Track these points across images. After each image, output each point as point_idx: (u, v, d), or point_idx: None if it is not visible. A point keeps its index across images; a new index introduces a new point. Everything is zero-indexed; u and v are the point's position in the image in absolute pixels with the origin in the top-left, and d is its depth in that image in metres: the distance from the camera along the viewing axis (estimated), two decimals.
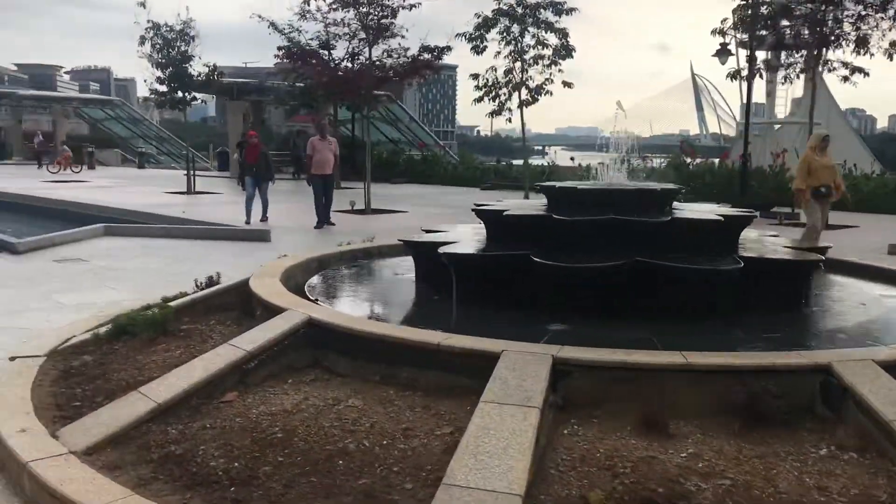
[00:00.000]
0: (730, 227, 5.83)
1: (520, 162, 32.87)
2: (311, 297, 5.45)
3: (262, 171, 14.38)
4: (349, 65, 23.17)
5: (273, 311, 4.93)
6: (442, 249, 5.41)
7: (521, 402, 3.50)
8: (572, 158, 31.24)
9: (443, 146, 39.19)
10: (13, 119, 47.42)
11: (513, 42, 20.98)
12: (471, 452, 3.17)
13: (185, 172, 24.86)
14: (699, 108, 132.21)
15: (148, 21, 21.76)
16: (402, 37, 18.22)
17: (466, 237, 6.32)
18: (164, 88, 23.06)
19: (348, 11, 18.13)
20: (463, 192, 27.00)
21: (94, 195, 21.23)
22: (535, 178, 23.61)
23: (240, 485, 3.29)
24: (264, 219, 14.35)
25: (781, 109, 42.71)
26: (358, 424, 3.76)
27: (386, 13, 17.74)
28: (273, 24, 25.03)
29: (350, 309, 5.48)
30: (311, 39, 25.57)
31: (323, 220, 14.25)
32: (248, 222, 14.35)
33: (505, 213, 5.90)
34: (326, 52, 23.25)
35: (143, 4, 21.61)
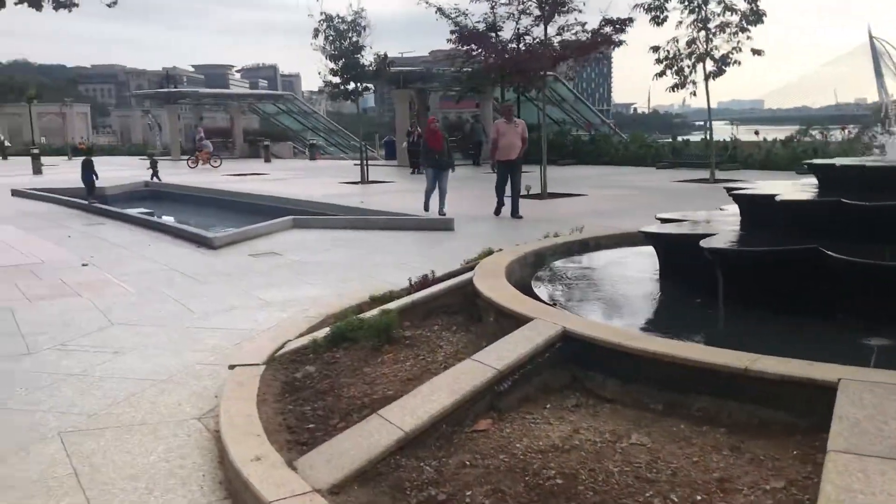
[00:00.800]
0: None
1: (695, 139, 30.99)
2: (548, 301, 4.76)
3: (445, 159, 13.72)
4: (515, 45, 22.50)
5: (513, 319, 4.28)
6: (705, 243, 4.56)
7: (891, 454, 2.63)
8: (757, 132, 29.03)
9: (612, 125, 37.69)
10: (194, 117, 50.32)
11: (696, 10, 19.41)
12: None
13: (358, 162, 25.14)
14: (878, 73, 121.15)
15: (321, 13, 22.01)
16: (579, 11, 17.23)
17: (719, 227, 5.41)
18: (336, 80, 23.30)
19: None
20: (636, 171, 25.68)
21: (275, 187, 21.77)
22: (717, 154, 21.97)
23: None
24: (443, 212, 13.61)
25: None
26: (654, 470, 3.02)
27: None
28: (440, 10, 24.79)
29: (601, 316, 4.74)
30: (478, 22, 25.18)
31: (502, 204, 13.47)
32: (426, 209, 13.96)
33: (777, 198, 4.94)
34: (493, 35, 22.64)
35: None
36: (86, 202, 17.00)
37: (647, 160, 27.51)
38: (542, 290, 5.19)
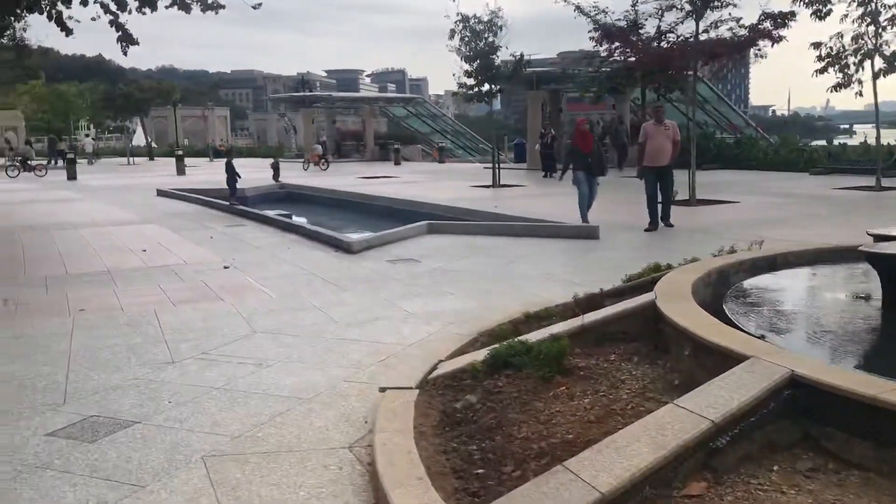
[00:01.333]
0: None
1: (853, 142, 28.79)
2: (752, 332, 4.02)
3: (596, 163, 12.65)
4: (659, 43, 21.46)
5: (718, 355, 3.59)
6: None
7: None
8: None
9: (759, 128, 35.62)
10: (328, 120, 51.45)
11: (865, 2, 17.77)
12: None
13: (488, 165, 24.71)
14: None
15: (457, 14, 21.71)
16: (734, 5, 16.05)
17: None
18: (471, 81, 22.95)
19: None
20: (786, 177, 23.96)
21: (406, 190, 21.62)
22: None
23: None
24: (586, 220, 12.75)
25: None
26: None
27: None
28: (579, 7, 23.99)
29: (826, 355, 3.92)
30: (618, 20, 24.19)
31: (657, 221, 12.16)
32: (585, 222, 12.52)
33: None
34: (637, 32, 21.65)
35: None
36: (227, 203, 17.31)
37: (799, 165, 25.65)
38: (738, 316, 4.43)
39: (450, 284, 8.38)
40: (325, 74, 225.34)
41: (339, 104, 53.32)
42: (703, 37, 16.66)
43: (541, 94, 32.78)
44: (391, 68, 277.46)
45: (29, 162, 35.99)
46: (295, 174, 30.28)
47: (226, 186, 18.94)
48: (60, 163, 46.51)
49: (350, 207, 19.97)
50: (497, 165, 23.13)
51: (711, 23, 16.44)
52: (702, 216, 14.03)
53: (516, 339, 4.57)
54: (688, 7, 16.47)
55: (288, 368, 5.48)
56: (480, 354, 4.71)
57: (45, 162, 40.40)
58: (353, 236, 11.09)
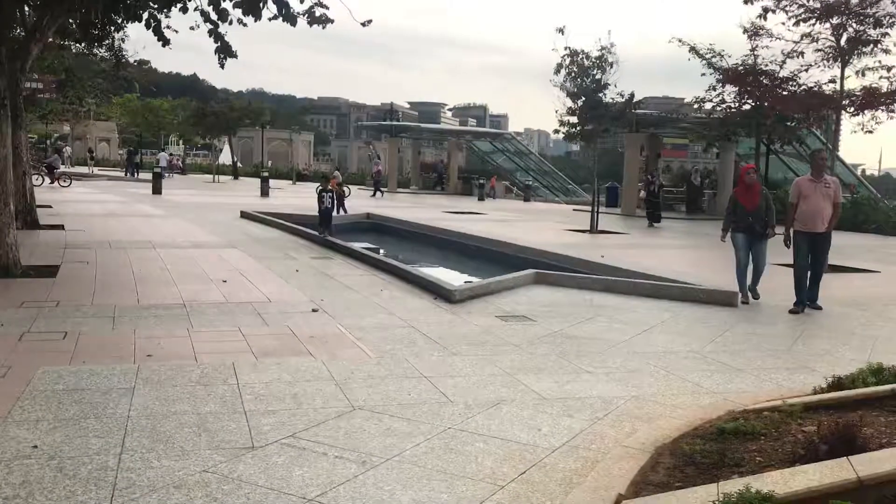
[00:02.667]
0: None
1: None
2: None
3: (760, 223, 10.17)
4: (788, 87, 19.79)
5: None
6: None
7: None
8: None
9: (871, 188, 33.12)
10: (413, 150, 50.87)
11: None
12: None
13: (579, 207, 23.28)
14: None
15: (566, 48, 20.46)
16: (885, 51, 14.33)
17: None
18: (573, 119, 21.63)
19: (822, 23, 14.70)
20: None
21: (497, 230, 20.32)
22: None
23: None
24: (756, 294, 10.31)
25: None
26: None
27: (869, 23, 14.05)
28: (694, 49, 22.50)
29: None
30: (736, 64, 22.56)
31: (804, 301, 9.81)
32: (745, 301, 10.18)
33: None
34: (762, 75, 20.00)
35: (561, 31, 20.42)
36: (316, 232, 16.25)
37: None
38: None
39: (580, 357, 6.97)
40: (408, 106, 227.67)
41: (426, 135, 52.66)
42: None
43: (640, 137, 31.18)
44: (473, 103, 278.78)
45: (56, 170, 34.52)
46: (361, 202, 29.41)
47: (315, 213, 17.92)
48: (137, 175, 47.27)
49: (439, 244, 18.77)
50: (596, 210, 21.64)
51: (859, 70, 14.75)
52: (842, 287, 12.23)
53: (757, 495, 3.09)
54: (830, 46, 14.81)
55: (400, 473, 4.15)
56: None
57: (68, 170, 40.33)
58: (455, 284, 9.79)
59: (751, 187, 10.27)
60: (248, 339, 7.08)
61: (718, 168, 31.59)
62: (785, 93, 19.12)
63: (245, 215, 20.87)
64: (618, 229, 22.65)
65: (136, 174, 48.41)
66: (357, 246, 14.14)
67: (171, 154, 57.78)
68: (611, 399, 5.64)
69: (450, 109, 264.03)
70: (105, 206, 23.13)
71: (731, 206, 10.52)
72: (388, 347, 6.97)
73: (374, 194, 37.75)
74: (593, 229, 21.30)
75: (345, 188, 34.87)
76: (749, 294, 10.33)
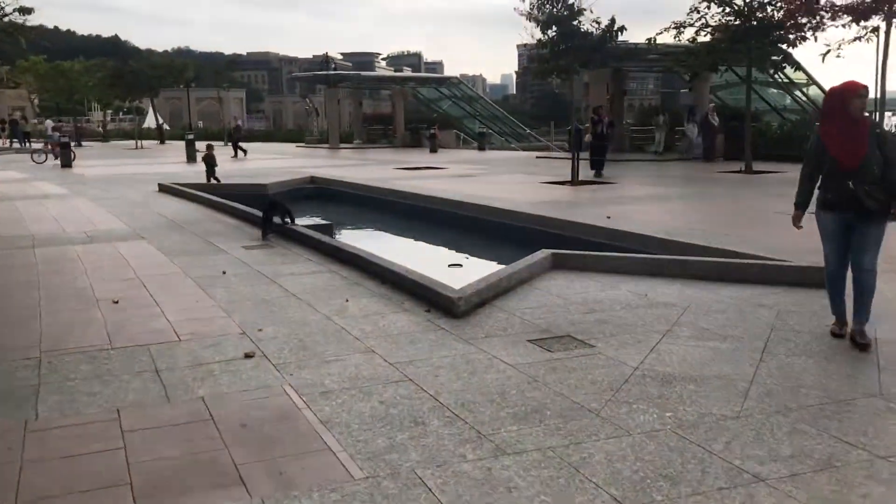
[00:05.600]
0: None
1: None
2: None
3: (874, 188, 5.32)
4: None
5: None
6: None
7: None
8: None
9: None
10: (354, 102, 47.13)
11: None
12: None
13: (541, 154, 20.29)
14: None
15: None
16: None
17: None
18: (545, 52, 18.53)
19: None
20: None
21: (465, 187, 17.27)
22: None
23: None
24: (861, 337, 5.50)
25: None
26: None
27: None
28: None
29: None
30: None
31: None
32: (839, 333, 5.72)
33: None
34: None
35: None
36: (240, 207, 12.95)
37: None
38: None
39: (717, 431, 4.06)
40: (341, 57, 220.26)
41: (367, 84, 48.83)
42: None
43: (605, 73, 28.22)
44: (407, 51, 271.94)
45: None
46: (335, 164, 26.03)
47: (249, 181, 14.59)
48: (24, 145, 42.76)
49: (401, 212, 15.64)
50: (577, 157, 18.67)
51: None
52: None
53: None
54: None
55: None
56: None
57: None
58: (455, 287, 6.71)
59: (857, 124, 5.47)
60: (130, 447, 3.95)
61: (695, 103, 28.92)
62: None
63: (164, 189, 17.35)
64: (599, 178, 19.75)
65: (24, 144, 43.76)
66: (304, 227, 10.92)
67: (59, 120, 52.16)
68: None
69: (384, 59, 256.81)
70: None
71: (811, 162, 5.75)
72: (382, 446, 3.91)
73: (235, 155, 32.02)
74: (574, 180, 18.39)
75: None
76: (849, 330, 5.67)
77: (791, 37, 18.86)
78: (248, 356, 5.39)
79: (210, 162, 18.93)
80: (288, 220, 10.63)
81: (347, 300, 7.00)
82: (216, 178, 18.74)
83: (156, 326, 6.20)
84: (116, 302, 7.01)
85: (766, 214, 12.69)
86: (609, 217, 12.03)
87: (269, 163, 28.40)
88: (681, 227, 10.89)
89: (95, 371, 5.11)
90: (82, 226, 12.11)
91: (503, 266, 7.68)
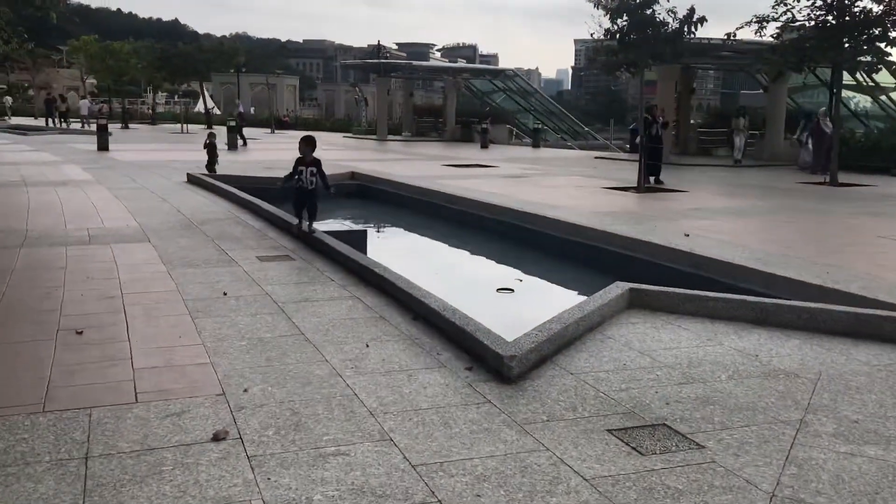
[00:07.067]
0: None
1: None
2: None
3: None
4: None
5: None
6: None
7: None
8: None
9: None
10: (404, 93, 45.70)
11: None
12: None
13: (601, 154, 18.51)
14: None
15: None
16: None
17: None
18: (614, 43, 16.76)
19: None
20: None
21: (517, 191, 15.64)
22: None
23: None
24: None
25: None
26: None
27: None
28: None
29: None
30: None
31: None
32: None
33: None
34: None
35: None
36: (270, 210, 11.54)
37: None
38: None
39: None
40: (395, 47, 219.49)
41: (418, 74, 47.31)
42: None
43: (675, 70, 26.20)
44: (462, 43, 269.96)
45: None
46: (379, 158, 24.59)
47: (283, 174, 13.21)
48: (61, 124, 42.08)
49: (447, 217, 14.06)
50: (643, 161, 16.87)
51: None
52: None
53: None
54: None
55: None
56: None
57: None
58: (506, 339, 5.10)
59: None
60: None
61: (768, 106, 26.80)
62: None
63: (192, 179, 16.07)
64: (667, 184, 17.91)
65: (59, 124, 43.02)
66: (333, 235, 9.42)
67: (93, 100, 51.22)
68: None
69: (438, 50, 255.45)
70: (19, 170, 18.27)
71: None
72: None
73: (242, 143, 29.77)
74: (640, 186, 16.60)
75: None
76: None
77: (892, 35, 16.84)
78: (216, 438, 3.87)
79: (212, 151, 17.63)
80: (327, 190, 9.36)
81: (368, 345, 5.45)
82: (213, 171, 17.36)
83: (113, 376, 4.73)
84: (80, 333, 5.58)
85: (869, 238, 10.87)
86: (687, 235, 10.32)
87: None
88: (773, 253, 9.14)
89: (3, 454, 3.65)
90: (87, 221, 10.81)
91: (567, 307, 6.02)
